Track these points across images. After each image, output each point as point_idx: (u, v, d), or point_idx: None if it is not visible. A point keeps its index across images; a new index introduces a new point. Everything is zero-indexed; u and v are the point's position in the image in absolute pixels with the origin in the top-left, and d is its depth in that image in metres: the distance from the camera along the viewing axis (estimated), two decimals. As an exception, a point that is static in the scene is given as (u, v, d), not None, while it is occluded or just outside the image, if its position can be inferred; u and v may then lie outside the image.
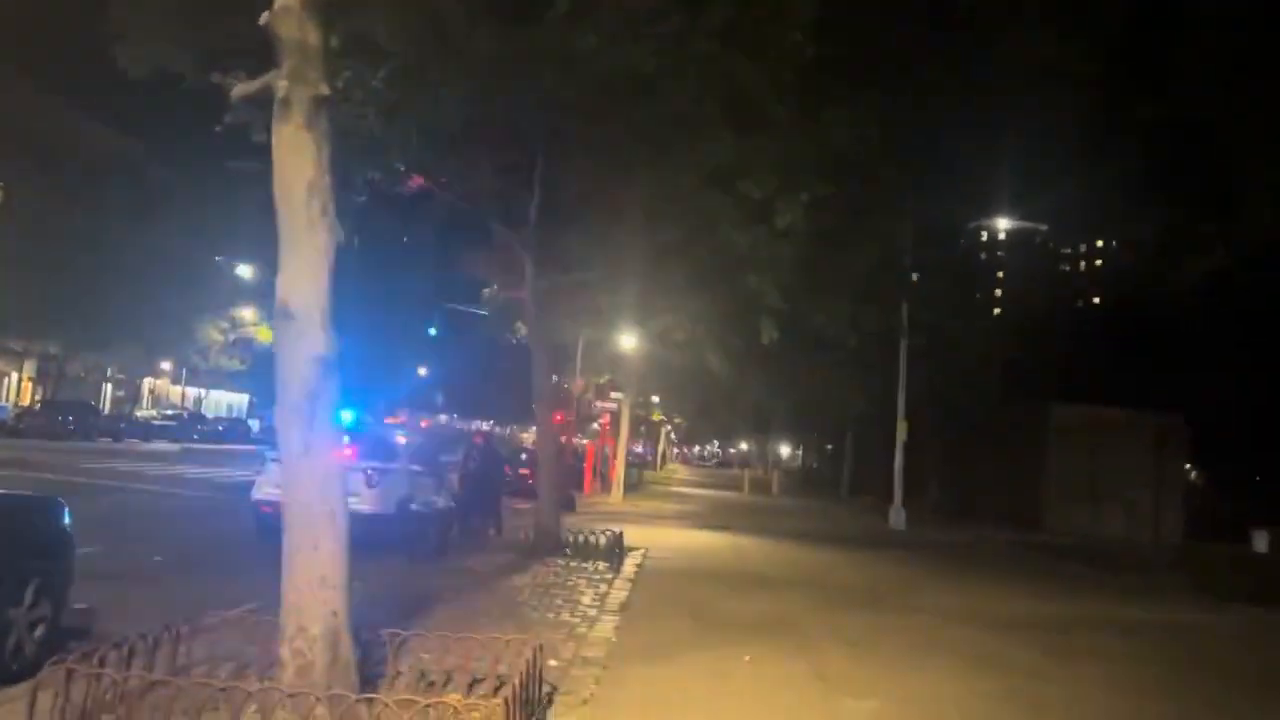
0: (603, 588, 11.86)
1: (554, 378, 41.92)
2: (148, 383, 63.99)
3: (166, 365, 61.46)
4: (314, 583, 5.64)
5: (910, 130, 17.87)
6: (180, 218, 50.43)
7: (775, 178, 10.78)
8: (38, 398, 50.10)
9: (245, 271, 62.59)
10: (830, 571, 15.76)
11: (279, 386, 5.73)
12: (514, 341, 29.70)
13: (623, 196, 13.62)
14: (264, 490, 14.15)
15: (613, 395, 34.87)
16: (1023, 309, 36.42)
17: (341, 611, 5.70)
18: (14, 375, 54.52)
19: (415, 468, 15.66)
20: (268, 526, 14.18)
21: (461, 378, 66.54)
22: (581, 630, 8.98)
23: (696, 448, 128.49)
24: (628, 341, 26.37)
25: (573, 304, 17.96)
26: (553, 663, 7.40)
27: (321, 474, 5.71)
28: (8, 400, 50.60)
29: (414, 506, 14.86)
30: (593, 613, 9.97)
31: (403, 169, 16.12)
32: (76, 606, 8.63)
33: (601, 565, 13.88)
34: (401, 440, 16.49)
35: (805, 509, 34.48)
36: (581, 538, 15.47)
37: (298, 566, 5.66)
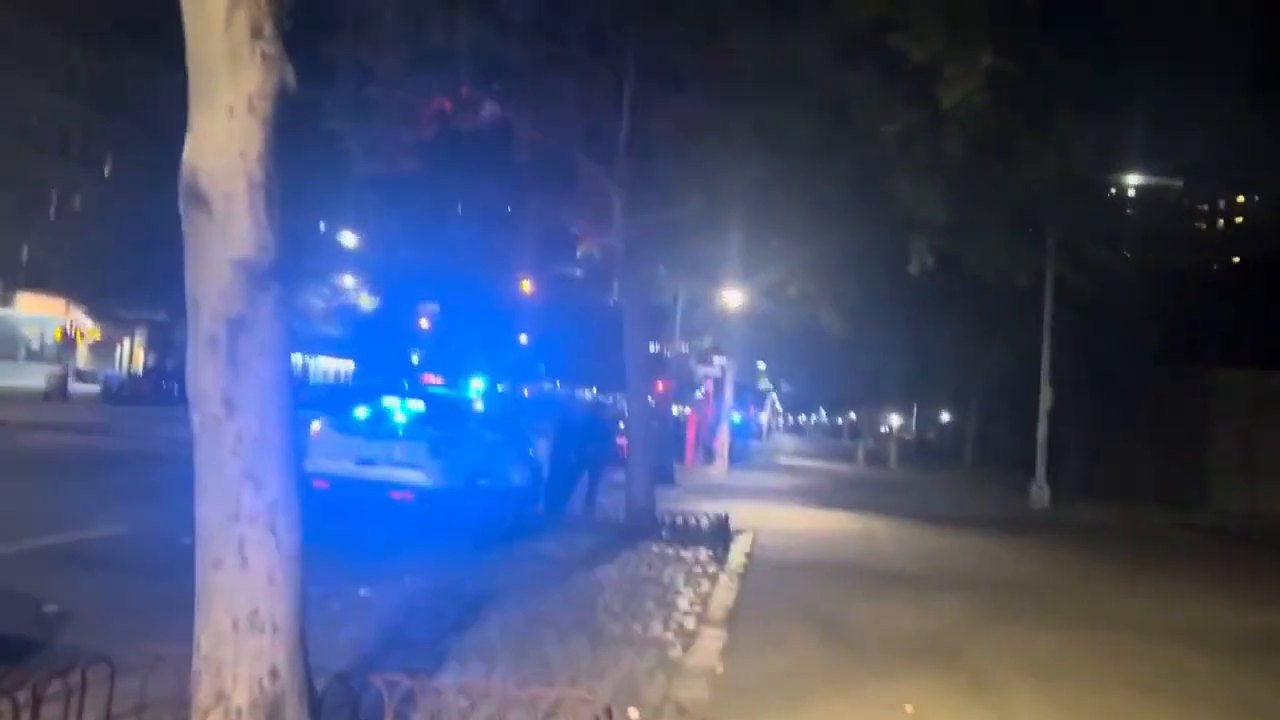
0: (704, 585, 9.67)
1: (651, 345, 39.92)
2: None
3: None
4: (241, 623, 3.54)
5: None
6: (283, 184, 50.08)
7: (942, 30, 8.10)
8: (147, 365, 50.72)
9: (347, 239, 62.59)
10: (980, 564, 13.19)
11: (188, 307, 3.65)
12: (612, 304, 27.62)
13: (728, 100, 11.27)
14: (317, 461, 12.44)
15: (715, 360, 32.53)
16: (1166, 268, 32.39)
17: (288, 667, 3.59)
18: (126, 343, 55.52)
19: (492, 436, 13.73)
20: (324, 502, 12.49)
21: (564, 345, 65.24)
22: (675, 653, 6.81)
23: (803, 416, 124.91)
24: (732, 299, 23.93)
25: (669, 252, 15.68)
26: (633, 715, 5.24)
27: (252, 446, 3.59)
28: (120, 368, 51.43)
29: (487, 481, 12.94)
30: (691, 623, 7.79)
31: (471, 92, 14.12)
32: (46, 610, 6.92)
33: (704, 553, 11.69)
34: (479, 404, 14.57)
35: (929, 484, 31.57)
36: (681, 519, 13.31)
37: (214, 594, 3.58)
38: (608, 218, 14.18)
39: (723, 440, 27.99)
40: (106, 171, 50.59)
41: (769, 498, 21.27)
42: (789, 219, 16.36)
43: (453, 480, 12.28)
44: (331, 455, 12.35)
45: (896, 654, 7.28)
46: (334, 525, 11.82)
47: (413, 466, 12.11)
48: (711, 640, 7.28)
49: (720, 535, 12.61)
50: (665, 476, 21.99)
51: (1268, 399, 25.31)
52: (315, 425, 12.60)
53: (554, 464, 15.57)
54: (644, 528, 12.70)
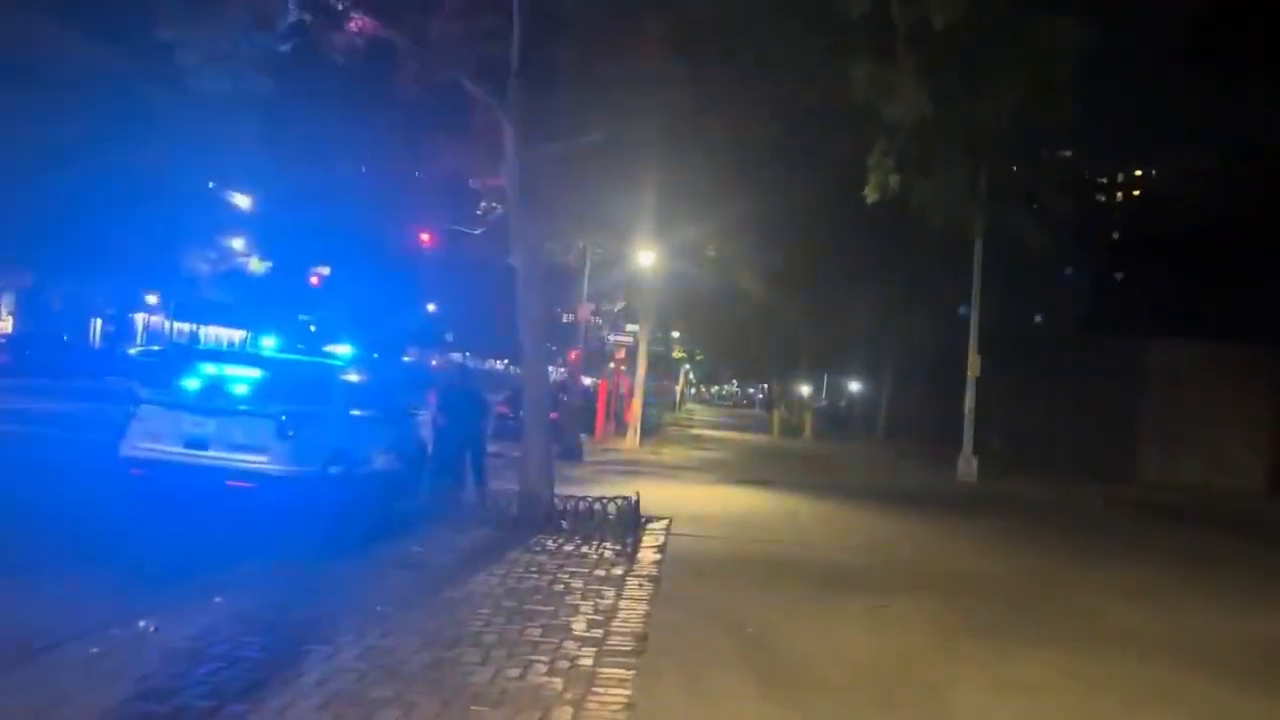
0: (608, 595, 7.79)
1: (563, 313, 37.70)
2: (141, 318, 60.34)
3: (153, 299, 57.60)
4: None
5: None
6: (164, 137, 46.22)
7: None
8: (11, 334, 46.45)
9: (239, 200, 58.57)
10: (926, 553, 11.61)
11: None
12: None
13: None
14: (136, 444, 10.14)
15: (628, 328, 30.68)
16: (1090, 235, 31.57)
17: None
18: (-1, 311, 50.93)
19: (358, 412, 11.58)
20: (143, 494, 10.21)
21: (473, 312, 62.35)
22: (563, 715, 4.91)
23: (716, 388, 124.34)
24: (645, 259, 22.02)
25: (572, 198, 13.66)
26: None
27: None
28: (-16, 336, 47.03)
29: (349, 466, 10.81)
30: (587, 659, 5.90)
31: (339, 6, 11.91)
32: None
33: (609, 550, 9.82)
34: (349, 375, 12.33)
35: (848, 456, 30.34)
36: (584, 504, 11.39)
37: None
38: (502, 158, 12.08)
39: (635, 413, 26.17)
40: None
41: (684, 474, 19.54)
42: (708, 165, 14.57)
43: (305, 465, 10.16)
44: (154, 436, 10.08)
45: (860, 700, 5.51)
46: (152, 523, 9.58)
47: (255, 449, 9.93)
48: (613, 686, 5.40)
49: (629, 524, 10.76)
50: (572, 452, 20.09)
51: (1187, 369, 24.61)
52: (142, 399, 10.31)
53: (439, 444, 13.48)
54: (540, 518, 10.75)
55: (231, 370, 10.38)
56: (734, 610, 7.56)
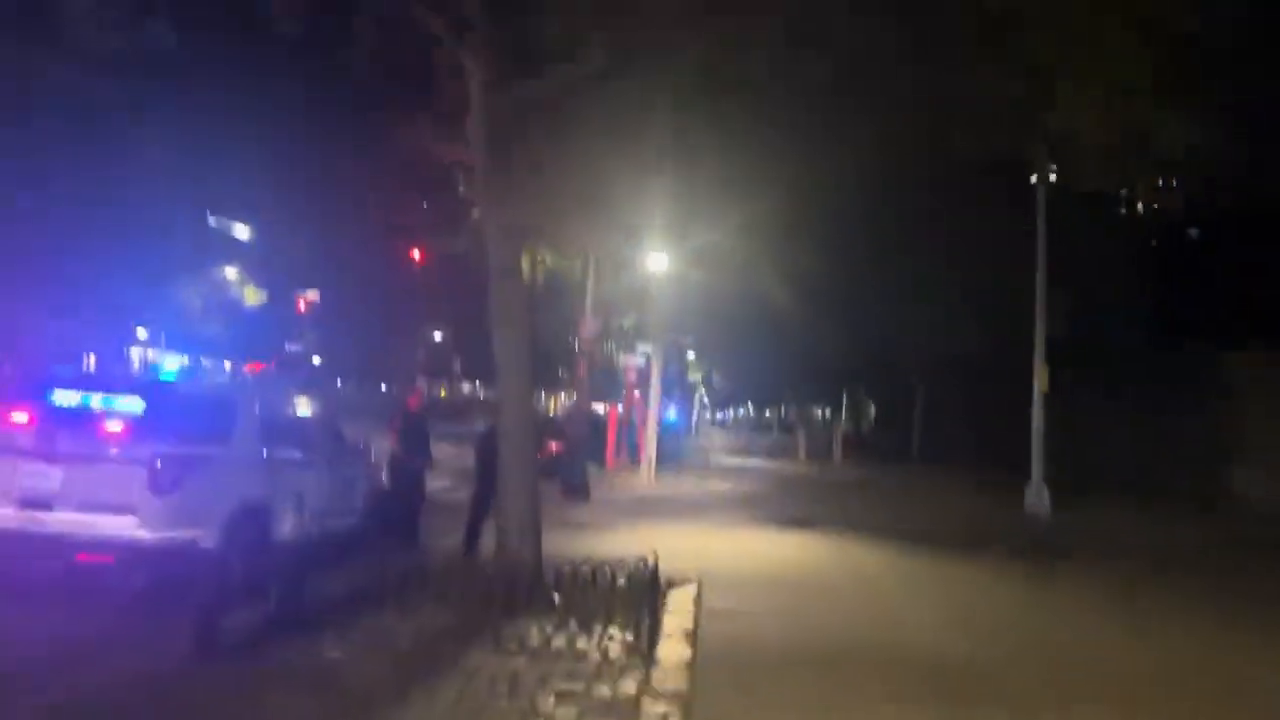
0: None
1: (570, 337, 34.80)
2: (136, 352, 57.97)
3: (143, 333, 55.17)
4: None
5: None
6: (145, 164, 43.95)
7: None
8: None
9: (227, 226, 56.24)
10: (1050, 631, 8.55)
11: None
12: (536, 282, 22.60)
13: None
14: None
15: (639, 348, 27.76)
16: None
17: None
18: (-27, 347, 48.48)
19: (273, 453, 8.68)
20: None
21: (481, 337, 59.51)
22: None
23: (729, 411, 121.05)
24: (657, 264, 19.13)
25: (563, 169, 10.80)
26: None
27: None
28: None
29: (258, 531, 7.94)
30: None
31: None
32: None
33: (616, 644, 6.88)
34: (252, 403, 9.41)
35: (887, 485, 27.20)
36: (585, 569, 8.46)
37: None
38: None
39: (649, 441, 23.21)
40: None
41: (709, 514, 16.55)
42: (735, 129, 11.82)
43: (190, 528, 7.29)
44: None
45: None
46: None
47: (116, 508, 7.08)
48: None
49: (645, 598, 7.82)
50: (578, 490, 17.18)
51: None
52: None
53: (396, 487, 10.63)
54: (521, 593, 7.79)
55: (91, 400, 7.52)
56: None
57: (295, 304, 44.46)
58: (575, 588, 8.28)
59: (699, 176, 15.39)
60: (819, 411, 65.80)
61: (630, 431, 27.89)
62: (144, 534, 7.01)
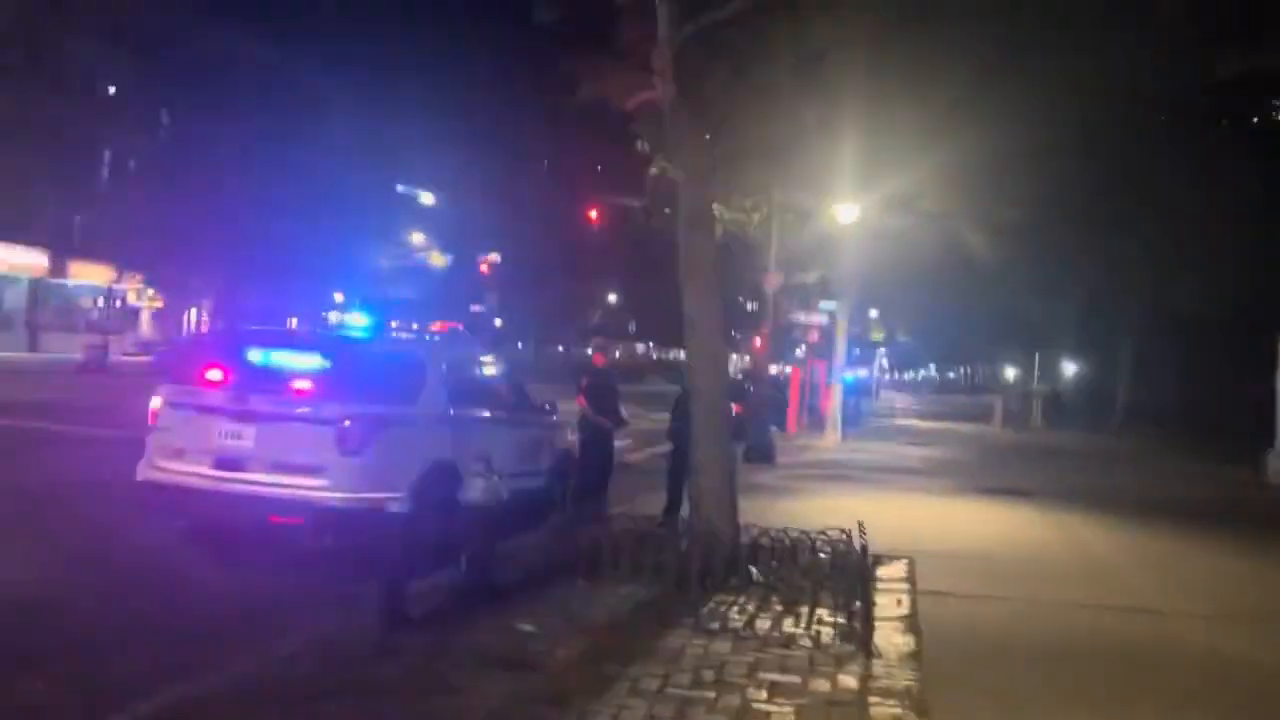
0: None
1: (741, 297, 33.74)
2: (334, 317, 61.23)
3: (339, 298, 58.21)
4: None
5: None
6: (340, 137, 46.04)
7: None
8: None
9: (413, 194, 58.33)
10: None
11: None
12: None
13: None
14: (156, 464, 7.37)
15: (820, 305, 26.59)
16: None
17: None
18: (194, 312, 52.43)
19: (468, 412, 8.42)
20: (164, 534, 7.44)
21: (657, 298, 59.50)
22: None
23: (909, 372, 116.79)
24: (846, 215, 17.99)
25: (752, 115, 9.99)
26: None
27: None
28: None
29: (448, 491, 7.66)
30: None
31: None
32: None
33: (826, 627, 6.17)
34: (460, 358, 9.17)
35: (1095, 452, 25.08)
36: (785, 540, 7.81)
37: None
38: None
39: (834, 404, 22.18)
40: (161, 132, 46.81)
41: (904, 480, 15.52)
42: (939, 59, 10.72)
43: (380, 491, 7.09)
44: (175, 452, 7.28)
45: None
46: (158, 582, 6.79)
47: (307, 469, 6.94)
48: None
49: (853, 576, 7.08)
50: (764, 455, 16.50)
51: None
52: (155, 401, 7.49)
53: (586, 450, 10.25)
54: (718, 568, 7.20)
55: (283, 358, 7.42)
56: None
57: (478, 267, 45.48)
58: (775, 562, 7.64)
59: (892, 120, 14.22)
60: (1008, 373, 62.17)
61: (812, 393, 26.90)
62: (333, 496, 6.84)
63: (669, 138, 8.17)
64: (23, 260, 40.52)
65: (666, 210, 24.00)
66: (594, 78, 11.95)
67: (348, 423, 6.92)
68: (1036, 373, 59.01)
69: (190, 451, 7.06)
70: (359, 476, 6.94)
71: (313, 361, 7.31)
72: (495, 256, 45.10)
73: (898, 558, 8.38)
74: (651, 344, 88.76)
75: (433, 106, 43.86)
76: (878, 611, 6.65)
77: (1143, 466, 20.89)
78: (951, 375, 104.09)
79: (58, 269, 42.93)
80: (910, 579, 7.73)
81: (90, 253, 42.76)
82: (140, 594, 6.24)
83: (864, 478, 15.44)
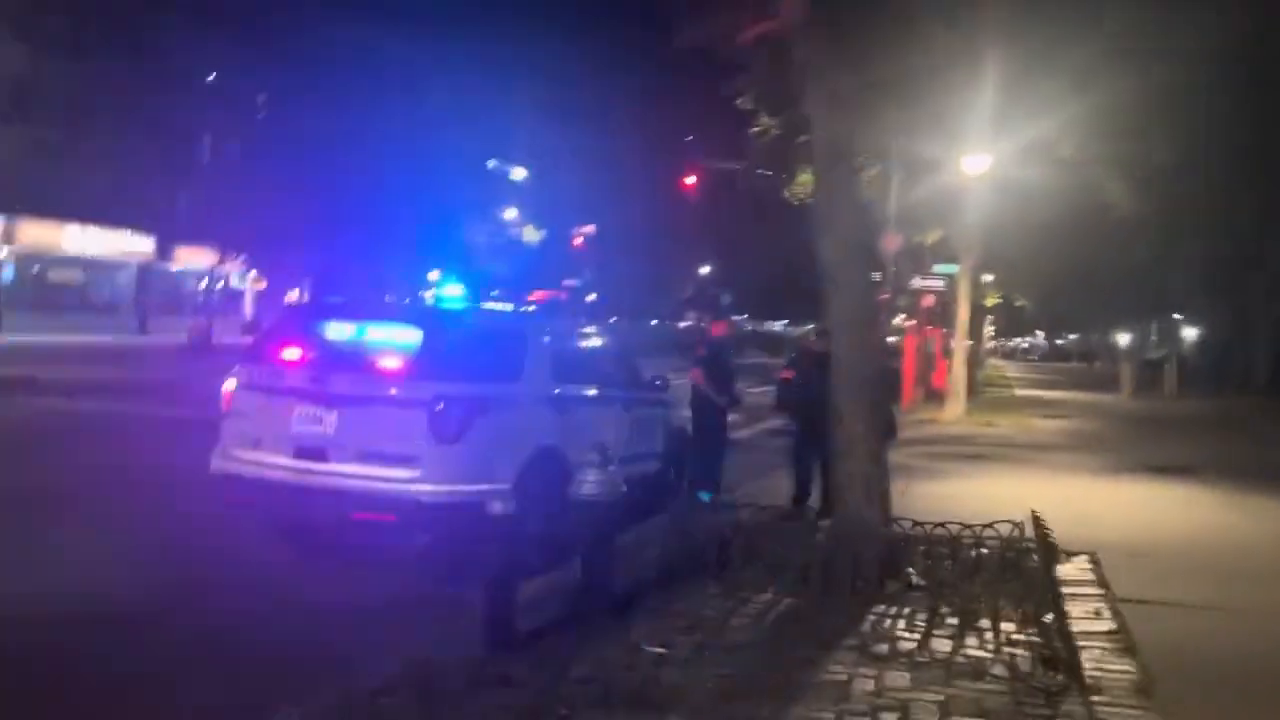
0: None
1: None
2: (430, 294, 61.75)
3: (434, 275, 58.40)
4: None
5: None
6: (434, 114, 45.96)
7: None
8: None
9: (505, 170, 57.92)
10: None
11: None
12: (795, 204, 20.61)
13: None
14: (231, 454, 6.61)
15: (936, 269, 24.99)
16: None
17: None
18: (296, 293, 53.34)
19: (576, 391, 7.48)
20: (238, 530, 6.68)
21: (752, 268, 58.16)
22: None
23: (1017, 339, 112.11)
24: (974, 167, 16.44)
25: (885, 41, 8.75)
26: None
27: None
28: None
29: (554, 483, 6.72)
30: None
31: None
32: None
33: (1019, 649, 5.02)
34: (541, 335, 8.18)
35: (1242, 422, 22.97)
36: (946, 534, 6.68)
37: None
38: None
39: (958, 374, 20.66)
40: (259, 115, 47.39)
41: (1047, 456, 14.08)
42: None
43: (482, 481, 6.19)
44: (251, 440, 6.50)
45: None
46: (222, 584, 6.00)
47: (395, 459, 6.09)
48: None
49: (1029, 576, 5.89)
50: (888, 428, 15.18)
51: None
52: (228, 383, 6.72)
53: (701, 432, 9.24)
54: (871, 569, 6.10)
55: (367, 333, 6.57)
56: None
57: (572, 240, 44.79)
58: (930, 561, 6.51)
59: (1039, 56, 12.71)
60: (1121, 339, 58.74)
61: (926, 364, 25.34)
62: (426, 488, 5.98)
63: (797, 66, 7.00)
64: (130, 246, 41.55)
65: (769, 172, 22.74)
66: (701, 15, 10.81)
67: (442, 405, 6.04)
68: (1154, 339, 55.62)
69: (267, 440, 6.28)
70: (456, 467, 6.07)
71: (401, 336, 6.45)
72: (590, 228, 44.32)
73: (1075, 553, 7.13)
74: (746, 316, 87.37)
75: (524, 79, 43.24)
76: (1075, 625, 5.46)
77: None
78: (1059, 342, 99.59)
79: (164, 253, 44.01)
80: (1101, 581, 6.49)
81: (194, 236, 43.63)
82: (200, 607, 5.46)
83: (1002, 455, 14.06)
